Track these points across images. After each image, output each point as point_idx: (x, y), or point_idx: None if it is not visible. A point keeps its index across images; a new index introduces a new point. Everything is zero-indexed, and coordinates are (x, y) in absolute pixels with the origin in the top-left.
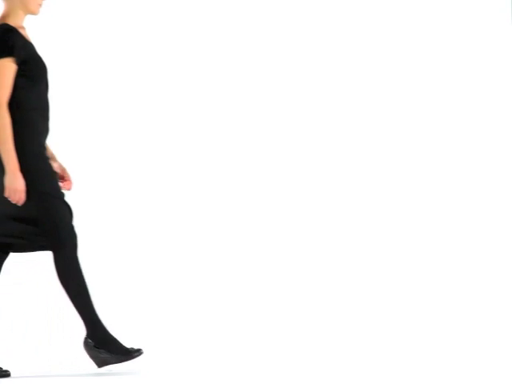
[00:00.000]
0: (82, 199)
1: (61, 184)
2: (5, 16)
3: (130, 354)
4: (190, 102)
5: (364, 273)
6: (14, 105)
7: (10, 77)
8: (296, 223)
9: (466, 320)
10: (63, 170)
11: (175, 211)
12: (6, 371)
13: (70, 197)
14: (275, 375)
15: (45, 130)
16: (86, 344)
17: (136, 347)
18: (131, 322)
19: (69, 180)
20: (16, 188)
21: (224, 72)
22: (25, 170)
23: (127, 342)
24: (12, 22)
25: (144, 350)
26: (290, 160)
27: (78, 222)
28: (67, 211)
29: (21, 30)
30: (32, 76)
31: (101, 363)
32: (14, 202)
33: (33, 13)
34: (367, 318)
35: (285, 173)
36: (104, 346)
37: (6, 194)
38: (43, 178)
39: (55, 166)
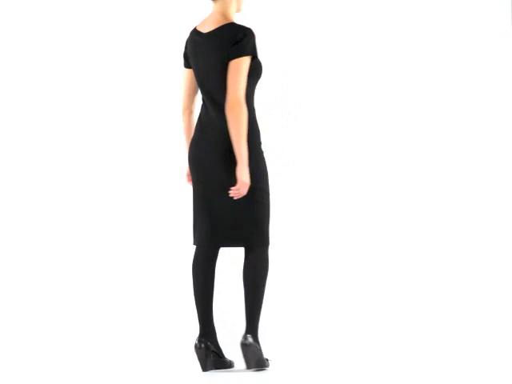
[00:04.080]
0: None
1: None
2: (226, 15)
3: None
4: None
5: (369, 273)
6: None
7: (246, 74)
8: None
9: (466, 320)
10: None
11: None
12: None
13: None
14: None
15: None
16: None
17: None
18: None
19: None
20: (246, 181)
21: None
22: (250, 165)
23: None
24: (232, 21)
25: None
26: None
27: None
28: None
29: None
30: (253, 75)
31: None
32: (237, 195)
33: (239, 11)
34: (377, 317)
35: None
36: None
37: (237, 187)
38: (264, 176)
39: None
